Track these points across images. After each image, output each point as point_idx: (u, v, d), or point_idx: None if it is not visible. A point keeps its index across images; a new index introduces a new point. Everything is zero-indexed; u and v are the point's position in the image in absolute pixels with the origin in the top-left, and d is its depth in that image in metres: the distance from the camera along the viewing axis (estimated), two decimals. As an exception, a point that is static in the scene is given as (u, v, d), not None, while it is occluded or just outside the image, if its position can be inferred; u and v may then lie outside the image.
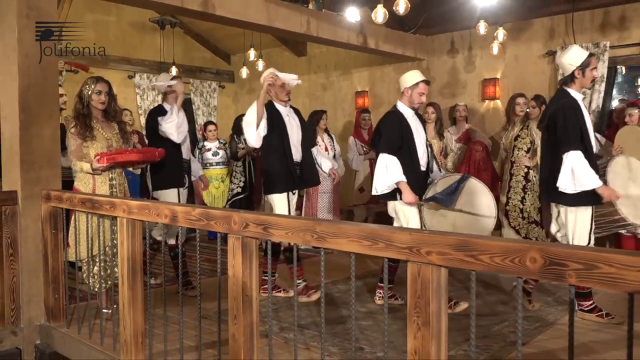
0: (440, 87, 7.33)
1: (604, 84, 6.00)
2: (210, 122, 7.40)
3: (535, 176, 5.48)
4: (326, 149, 6.68)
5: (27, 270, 3.74)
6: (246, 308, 2.46)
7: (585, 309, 3.87)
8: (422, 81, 4.13)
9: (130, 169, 4.03)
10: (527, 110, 5.60)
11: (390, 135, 4.06)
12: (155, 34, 8.61)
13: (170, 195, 4.53)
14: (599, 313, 3.84)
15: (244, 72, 7.99)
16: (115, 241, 3.82)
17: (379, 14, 4.55)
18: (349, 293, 4.65)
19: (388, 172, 3.99)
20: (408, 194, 3.98)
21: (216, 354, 3.12)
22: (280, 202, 4.41)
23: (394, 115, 4.13)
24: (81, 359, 3.47)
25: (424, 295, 1.84)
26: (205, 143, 7.17)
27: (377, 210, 6.96)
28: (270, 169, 4.45)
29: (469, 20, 6.69)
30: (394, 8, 4.54)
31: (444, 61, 7.33)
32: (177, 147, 4.58)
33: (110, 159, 3.67)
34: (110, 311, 3.75)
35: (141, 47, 8.63)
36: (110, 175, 3.85)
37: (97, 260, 3.74)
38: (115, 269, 3.87)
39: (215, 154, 7.04)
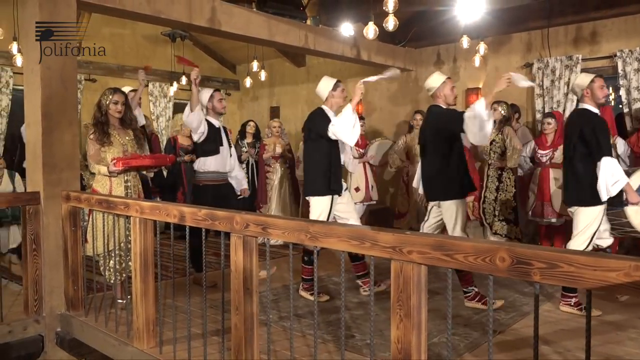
0: (427, 95, 7.33)
1: (576, 94, 6.02)
2: None
3: (509, 178, 5.54)
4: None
5: (49, 263, 3.78)
6: (247, 300, 2.50)
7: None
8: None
9: (144, 172, 4.05)
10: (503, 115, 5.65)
11: (608, 137, 3.75)
12: (167, 45, 8.63)
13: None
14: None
15: (248, 81, 8.01)
16: (128, 238, 3.88)
17: (370, 30, 4.59)
18: (345, 284, 4.72)
19: (615, 175, 3.57)
20: (633, 194, 3.69)
21: (220, 341, 3.17)
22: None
23: (599, 118, 3.81)
24: (98, 345, 3.51)
25: (406, 290, 1.88)
26: None
27: (370, 208, 7.01)
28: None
29: (454, 34, 6.72)
30: (383, 25, 4.57)
31: (431, 72, 7.19)
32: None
33: (125, 163, 3.71)
34: (124, 301, 3.79)
35: (154, 58, 8.64)
36: (126, 178, 3.90)
37: (113, 254, 3.79)
38: (130, 263, 3.92)
39: None
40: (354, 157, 6.91)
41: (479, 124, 3.64)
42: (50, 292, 3.80)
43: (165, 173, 6.76)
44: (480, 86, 6.87)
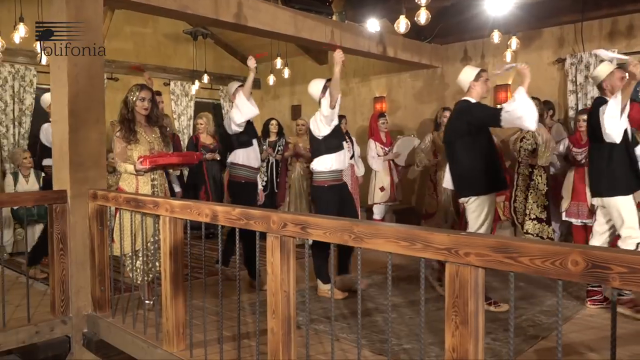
0: (454, 93, 7.19)
1: (611, 90, 5.82)
2: None
3: (540, 176, 5.36)
4: (345, 151, 6.60)
5: (76, 263, 3.71)
6: (284, 303, 2.39)
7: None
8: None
9: (170, 170, 3.97)
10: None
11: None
12: (188, 44, 8.58)
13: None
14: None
15: (271, 79, 7.92)
16: (156, 237, 3.80)
17: (401, 24, 4.45)
18: (374, 287, 4.61)
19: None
20: None
21: (252, 344, 3.07)
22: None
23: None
24: (126, 347, 3.43)
25: (462, 295, 1.75)
26: None
27: (394, 208, 6.87)
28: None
29: (482, 30, 6.55)
30: (415, 18, 4.43)
31: (457, 68, 7.12)
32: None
33: (152, 162, 3.63)
34: (151, 302, 3.72)
35: (175, 57, 8.61)
36: (152, 176, 3.81)
37: (140, 254, 3.71)
38: (157, 263, 3.85)
39: None
40: (379, 155, 6.80)
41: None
42: (77, 293, 3.73)
43: (186, 172, 6.72)
44: (510, 83, 6.68)
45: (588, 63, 5.88)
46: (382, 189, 6.73)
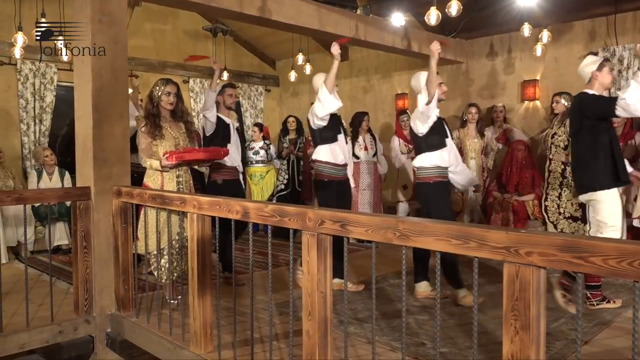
0: (479, 88, 7.03)
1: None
2: (255, 124, 7.31)
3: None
4: (365, 149, 6.49)
5: (99, 261, 3.63)
6: (320, 304, 2.27)
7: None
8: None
9: (196, 166, 3.88)
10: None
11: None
12: (207, 41, 8.50)
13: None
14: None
15: (292, 75, 7.81)
16: (179, 235, 3.71)
17: (432, 15, 4.30)
18: (401, 287, 4.45)
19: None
20: None
21: (282, 346, 2.96)
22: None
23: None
24: (151, 348, 3.34)
25: (523, 298, 1.62)
26: (251, 142, 7.10)
27: (416, 207, 6.71)
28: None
29: (508, 24, 6.38)
30: (446, 10, 4.29)
31: (482, 64, 7.02)
32: None
33: (178, 157, 3.54)
34: (176, 302, 3.63)
35: (194, 54, 8.52)
36: (177, 173, 3.73)
37: (165, 253, 3.62)
38: (182, 261, 3.75)
39: (255, 152, 6.96)
40: (402, 153, 6.66)
41: None
42: (101, 291, 3.65)
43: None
44: (538, 78, 6.49)
45: (622, 57, 5.68)
46: (405, 186, 6.60)
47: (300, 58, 7.23)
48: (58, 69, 6.86)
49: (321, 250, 2.25)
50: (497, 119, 6.34)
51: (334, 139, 4.28)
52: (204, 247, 2.92)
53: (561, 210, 5.13)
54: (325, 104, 4.11)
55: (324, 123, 4.21)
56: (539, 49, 5.77)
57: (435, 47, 3.89)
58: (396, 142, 6.60)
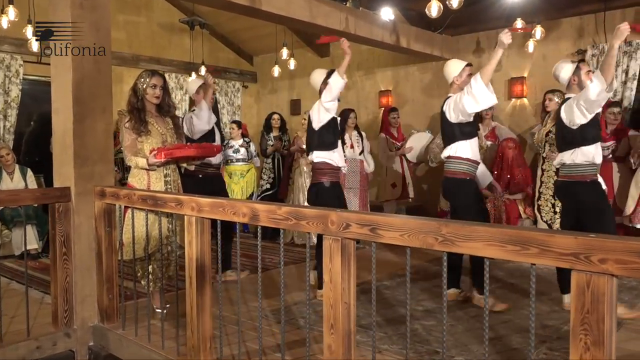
0: (465, 86, 6.93)
1: (635, 82, 5.63)
2: (233, 121, 7.02)
3: None
4: (352, 146, 6.32)
5: (81, 269, 3.33)
6: (344, 317, 2.06)
7: None
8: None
9: (185, 164, 3.61)
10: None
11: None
12: (183, 34, 8.18)
13: None
14: None
15: (276, 70, 7.55)
16: (169, 239, 3.44)
17: (433, 7, 4.14)
18: (399, 290, 4.30)
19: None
20: None
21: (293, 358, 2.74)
22: None
23: None
24: (141, 363, 3.07)
25: (596, 310, 1.45)
26: (230, 140, 6.82)
27: (407, 205, 6.59)
28: None
29: (496, 20, 6.31)
30: (447, 2, 4.13)
31: (469, 60, 6.87)
32: None
33: (168, 154, 3.27)
34: (164, 311, 3.35)
35: (169, 48, 8.20)
36: (165, 172, 3.45)
37: (153, 258, 3.35)
38: (171, 267, 3.49)
39: (236, 151, 6.68)
40: (390, 151, 6.51)
41: None
42: (82, 302, 3.35)
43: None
44: (525, 75, 6.44)
45: (610, 54, 5.65)
46: (393, 185, 6.45)
47: (284, 53, 6.97)
48: (24, 62, 6.43)
49: (345, 256, 2.05)
50: (486, 116, 6.24)
51: (473, 135, 3.90)
52: (203, 254, 2.67)
53: (557, 209, 5.06)
54: (480, 98, 3.60)
55: (469, 119, 3.83)
56: (530, 45, 5.71)
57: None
58: (384, 140, 6.45)
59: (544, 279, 4.29)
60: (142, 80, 3.46)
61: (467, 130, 3.79)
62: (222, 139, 6.53)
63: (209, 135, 4.37)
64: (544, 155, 5.26)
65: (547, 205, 5.14)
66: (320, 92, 4.04)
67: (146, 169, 3.38)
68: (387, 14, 5.57)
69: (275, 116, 6.92)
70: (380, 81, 7.90)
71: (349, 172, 6.34)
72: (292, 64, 7.09)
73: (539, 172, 5.32)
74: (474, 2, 6.34)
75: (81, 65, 3.24)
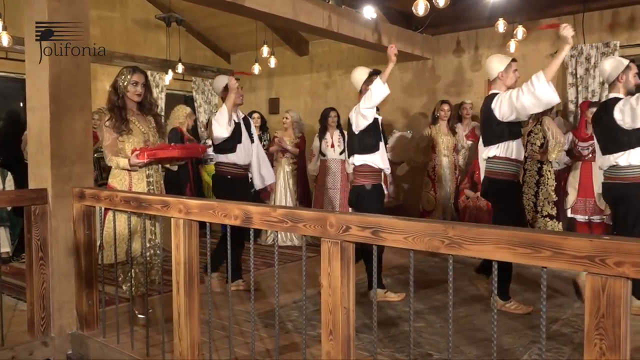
0: (446, 85, 6.95)
1: (613, 83, 5.71)
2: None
3: (549, 171, 5.17)
4: (332, 146, 6.28)
5: (58, 274, 3.18)
6: (344, 322, 2.00)
7: None
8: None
9: (168, 165, 3.49)
10: None
11: None
12: (159, 31, 7.99)
13: None
14: None
15: (256, 68, 7.43)
16: (152, 242, 3.32)
17: (420, 6, 4.11)
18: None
19: None
20: None
21: (282, 366, 2.66)
22: None
23: None
24: (123, 372, 2.94)
25: (612, 314, 1.41)
26: (207, 140, 6.67)
27: (389, 205, 6.55)
28: None
29: (476, 20, 6.34)
30: (433, 1, 4.10)
31: (449, 60, 6.95)
32: None
33: (151, 155, 3.14)
34: (146, 317, 3.23)
35: (144, 44, 7.99)
36: (147, 172, 3.32)
37: (136, 262, 3.23)
38: (152, 271, 3.37)
39: None
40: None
41: None
42: (60, 309, 3.20)
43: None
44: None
45: (589, 55, 5.74)
46: (375, 186, 6.41)
47: (264, 50, 6.86)
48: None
49: (345, 260, 1.98)
50: (466, 116, 6.27)
51: (518, 135, 3.78)
52: (191, 257, 2.57)
53: (538, 208, 5.10)
54: (543, 97, 3.47)
55: (525, 118, 3.82)
56: (512, 46, 5.73)
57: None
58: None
59: (528, 279, 4.31)
60: (123, 77, 3.33)
61: (516, 129, 3.67)
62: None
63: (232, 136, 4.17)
64: (526, 154, 5.29)
65: (529, 205, 5.18)
66: (361, 92, 3.91)
67: (128, 170, 3.25)
68: (369, 12, 5.53)
69: (256, 115, 6.80)
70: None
71: (330, 171, 6.29)
72: (272, 62, 6.97)
73: (521, 172, 5.35)
74: (456, 2, 6.35)
75: (58, 61, 3.10)
